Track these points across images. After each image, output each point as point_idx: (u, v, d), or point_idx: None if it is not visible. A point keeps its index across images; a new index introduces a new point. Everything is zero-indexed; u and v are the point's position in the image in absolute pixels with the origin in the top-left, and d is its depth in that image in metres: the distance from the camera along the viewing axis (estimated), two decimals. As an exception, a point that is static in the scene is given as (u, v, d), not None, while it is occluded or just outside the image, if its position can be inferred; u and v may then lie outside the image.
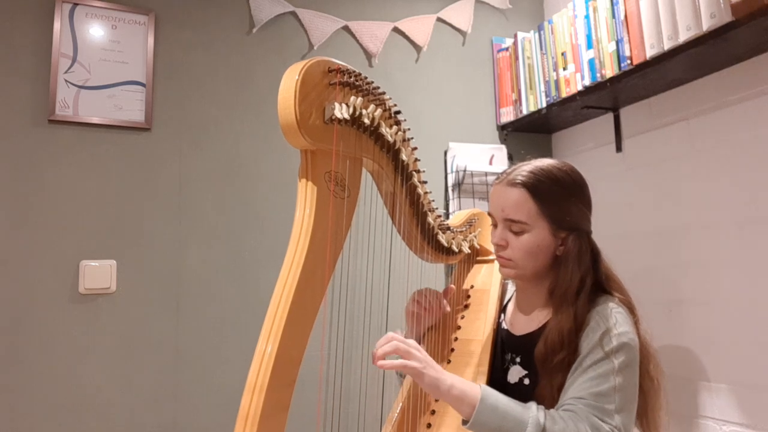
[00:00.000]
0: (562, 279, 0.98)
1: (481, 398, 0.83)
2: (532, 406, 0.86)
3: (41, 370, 1.53)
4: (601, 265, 1.01)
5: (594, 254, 1.00)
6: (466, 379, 0.88)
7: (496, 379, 1.04)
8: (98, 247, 1.62)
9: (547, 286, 1.03)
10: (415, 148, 1.00)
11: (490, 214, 1.06)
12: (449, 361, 1.10)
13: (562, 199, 0.99)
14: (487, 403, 0.82)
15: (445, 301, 1.14)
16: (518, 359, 1.04)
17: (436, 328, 1.16)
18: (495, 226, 1.05)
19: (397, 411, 1.04)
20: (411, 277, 1.19)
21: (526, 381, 1.00)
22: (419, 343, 1.13)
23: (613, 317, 0.92)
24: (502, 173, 1.05)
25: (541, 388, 0.93)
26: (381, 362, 0.80)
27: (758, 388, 1.42)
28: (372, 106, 0.87)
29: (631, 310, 0.97)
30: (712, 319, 1.54)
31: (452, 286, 1.19)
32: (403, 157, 0.96)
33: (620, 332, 0.90)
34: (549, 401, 0.91)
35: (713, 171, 1.56)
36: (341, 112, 0.80)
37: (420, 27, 2.11)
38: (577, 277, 0.96)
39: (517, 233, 1.00)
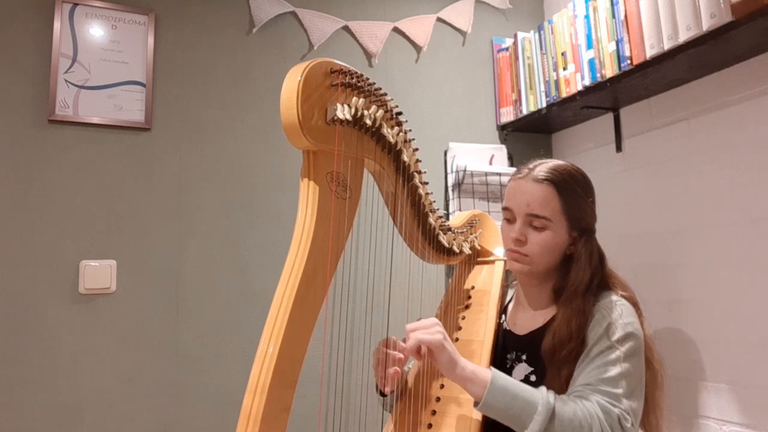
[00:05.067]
0: (573, 277, 1.00)
1: (492, 379, 0.85)
2: (542, 389, 0.88)
3: (41, 370, 1.52)
4: (606, 265, 1.04)
5: (600, 255, 1.03)
6: None
7: None
8: (98, 247, 1.62)
9: (552, 284, 1.05)
10: (417, 149, 1.00)
11: (506, 209, 1.05)
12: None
13: (581, 199, 1.02)
14: (498, 384, 0.85)
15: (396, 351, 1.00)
16: (524, 357, 1.05)
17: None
18: (508, 221, 1.06)
19: (398, 411, 1.04)
20: (412, 278, 1.19)
21: (533, 377, 1.02)
22: (405, 390, 1.07)
23: (618, 309, 0.95)
24: (520, 169, 1.06)
25: (549, 380, 0.95)
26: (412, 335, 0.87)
27: (758, 388, 1.42)
28: (374, 107, 0.87)
29: (635, 305, 1.00)
30: (712, 319, 1.54)
31: (393, 337, 1.02)
32: (405, 158, 0.96)
33: (625, 322, 0.93)
34: (557, 392, 0.92)
35: (713, 171, 1.56)
36: (343, 113, 0.80)
37: (420, 27, 2.10)
38: (587, 275, 0.99)
39: (538, 229, 1.01)
